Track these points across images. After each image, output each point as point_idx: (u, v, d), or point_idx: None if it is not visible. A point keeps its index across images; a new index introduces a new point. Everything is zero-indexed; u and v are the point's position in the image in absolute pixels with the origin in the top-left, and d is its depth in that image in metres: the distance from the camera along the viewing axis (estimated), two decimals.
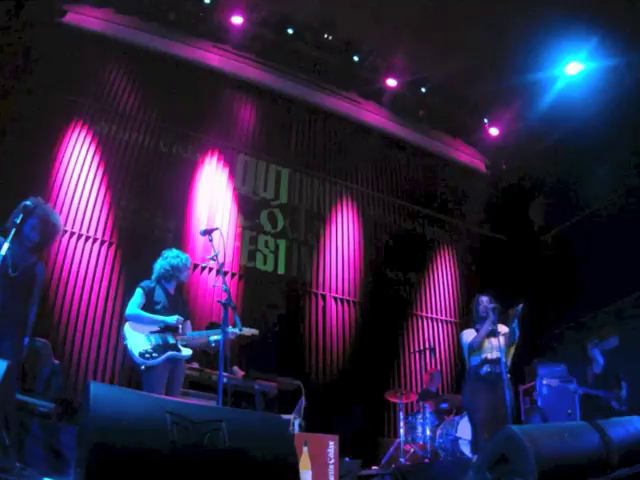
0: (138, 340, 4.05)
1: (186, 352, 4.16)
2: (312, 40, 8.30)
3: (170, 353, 4.06)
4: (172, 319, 4.12)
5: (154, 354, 4.01)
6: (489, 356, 4.63)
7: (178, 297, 4.44)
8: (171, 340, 4.12)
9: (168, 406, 2.12)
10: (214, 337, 4.17)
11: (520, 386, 7.62)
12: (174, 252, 4.42)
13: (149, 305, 4.22)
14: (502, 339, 4.59)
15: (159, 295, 4.27)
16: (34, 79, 6.74)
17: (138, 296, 4.25)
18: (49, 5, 7.12)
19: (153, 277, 4.37)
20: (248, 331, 4.22)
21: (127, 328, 4.13)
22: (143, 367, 3.99)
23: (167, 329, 4.13)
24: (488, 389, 4.53)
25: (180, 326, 4.19)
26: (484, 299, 4.88)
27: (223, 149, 8.00)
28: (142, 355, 3.99)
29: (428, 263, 9.12)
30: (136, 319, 4.12)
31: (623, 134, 7.58)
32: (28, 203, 3.65)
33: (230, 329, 3.98)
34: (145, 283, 4.32)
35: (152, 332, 4.10)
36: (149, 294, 4.24)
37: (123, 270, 6.66)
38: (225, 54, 8.29)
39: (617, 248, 7.37)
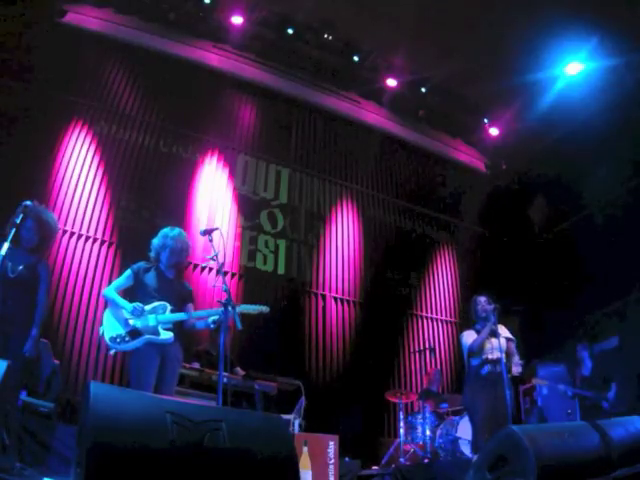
0: (114, 324, 3.86)
1: (165, 335, 3.87)
2: (312, 40, 8.30)
3: (146, 337, 3.82)
4: (130, 306, 3.86)
5: (126, 338, 3.80)
6: (490, 357, 4.66)
7: (177, 282, 4.21)
8: (152, 322, 3.86)
9: (168, 406, 2.12)
10: (212, 317, 3.93)
11: (520, 386, 7.63)
12: (171, 232, 4.21)
13: (137, 287, 4.04)
14: (503, 341, 4.61)
15: (151, 277, 4.07)
16: (34, 79, 6.74)
17: (122, 277, 4.11)
18: (49, 5, 7.12)
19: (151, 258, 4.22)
20: (254, 309, 4.01)
21: (107, 312, 3.95)
22: (112, 352, 3.85)
23: (153, 311, 3.91)
24: (489, 389, 4.55)
25: (167, 304, 3.97)
26: (482, 299, 4.90)
27: (223, 149, 8.00)
28: (113, 339, 3.79)
29: (428, 263, 9.12)
30: (108, 300, 4.00)
31: (623, 134, 7.58)
32: (28, 203, 3.66)
33: (234, 308, 3.76)
34: (137, 264, 4.14)
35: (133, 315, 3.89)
36: (139, 275, 4.06)
37: (123, 270, 6.63)
38: (225, 54, 8.28)
39: (617, 248, 7.37)
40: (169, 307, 3.96)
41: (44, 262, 3.98)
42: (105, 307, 4.05)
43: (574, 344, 7.19)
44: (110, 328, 3.86)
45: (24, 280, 3.75)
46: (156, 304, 3.95)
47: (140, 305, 3.87)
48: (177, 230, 4.23)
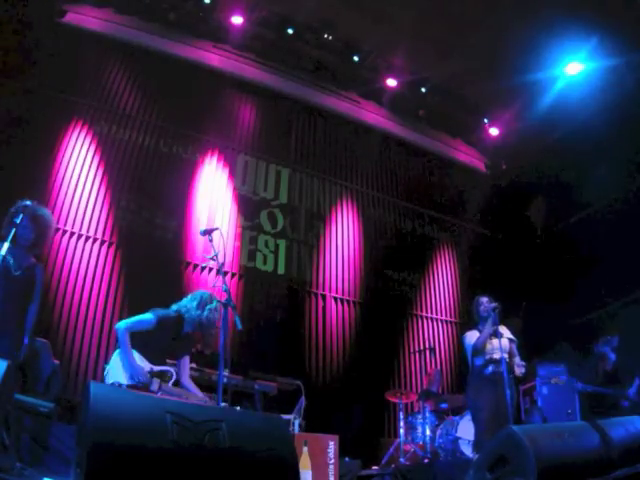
0: (119, 372, 3.78)
1: None
2: (312, 40, 8.29)
3: None
4: (135, 373, 3.78)
5: None
6: (493, 356, 4.65)
7: (189, 338, 4.20)
8: (154, 387, 3.75)
9: (168, 406, 2.12)
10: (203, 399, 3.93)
11: (520, 386, 7.62)
12: (215, 304, 4.13)
13: (152, 334, 3.91)
14: (505, 341, 4.62)
15: (169, 333, 4.01)
16: (34, 79, 6.74)
17: (143, 320, 3.92)
18: (49, 5, 7.11)
19: (177, 311, 4.11)
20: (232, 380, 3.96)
21: (117, 356, 3.86)
22: None
23: (157, 376, 3.86)
24: (492, 389, 4.55)
25: (174, 371, 3.96)
26: (484, 300, 4.91)
27: (223, 149, 8.00)
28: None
29: (428, 263, 9.11)
30: (120, 341, 3.82)
31: (623, 134, 7.57)
32: (28, 203, 3.68)
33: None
34: (164, 315, 4.00)
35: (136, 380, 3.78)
36: (160, 326, 3.93)
37: (123, 270, 6.66)
38: (225, 54, 8.28)
39: (617, 247, 7.37)
40: (175, 376, 3.96)
41: (40, 265, 3.99)
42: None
43: (574, 344, 7.19)
44: (115, 374, 3.80)
45: (24, 280, 3.76)
46: (165, 369, 3.95)
47: (142, 380, 3.77)
48: (215, 302, 4.17)
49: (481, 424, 4.61)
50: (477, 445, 4.68)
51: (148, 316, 3.95)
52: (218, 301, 4.08)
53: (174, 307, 4.14)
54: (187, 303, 4.14)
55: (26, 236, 3.83)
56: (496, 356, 4.63)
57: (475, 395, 4.73)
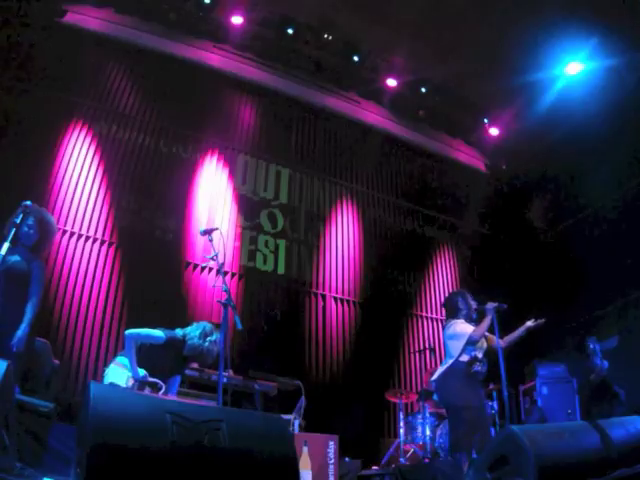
0: (119, 375, 3.92)
1: None
2: (312, 40, 8.30)
3: None
4: (141, 373, 3.97)
5: None
6: (478, 355, 4.56)
7: (186, 362, 4.37)
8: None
9: (168, 406, 2.13)
10: None
11: (520, 386, 7.62)
12: (215, 337, 4.23)
13: (155, 350, 4.04)
14: (484, 342, 4.60)
15: (172, 354, 4.15)
16: (34, 79, 6.74)
17: (153, 334, 4.04)
18: (49, 5, 7.12)
19: (182, 335, 4.22)
20: None
21: (113, 366, 4.00)
22: None
23: (149, 385, 3.98)
24: (477, 387, 4.48)
25: (163, 385, 4.05)
26: (470, 296, 4.82)
27: (223, 149, 8.00)
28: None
29: (428, 263, 9.11)
30: (126, 346, 3.97)
31: (623, 134, 7.58)
32: (28, 203, 3.67)
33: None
34: (173, 336, 4.15)
35: (134, 380, 3.93)
36: (167, 344, 4.07)
37: (123, 270, 6.66)
38: (225, 54, 8.29)
39: (617, 248, 7.37)
40: (164, 389, 4.06)
41: (39, 261, 3.97)
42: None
43: (574, 344, 7.19)
44: (113, 376, 3.93)
45: (15, 273, 3.70)
46: (157, 380, 4.03)
47: (140, 378, 3.94)
48: (216, 335, 4.25)
49: (464, 424, 4.23)
50: (456, 447, 4.28)
51: (159, 333, 4.07)
52: (218, 334, 4.18)
53: (179, 331, 4.25)
54: (191, 331, 4.26)
55: (29, 236, 3.83)
56: (480, 355, 4.57)
57: (461, 393, 4.35)
